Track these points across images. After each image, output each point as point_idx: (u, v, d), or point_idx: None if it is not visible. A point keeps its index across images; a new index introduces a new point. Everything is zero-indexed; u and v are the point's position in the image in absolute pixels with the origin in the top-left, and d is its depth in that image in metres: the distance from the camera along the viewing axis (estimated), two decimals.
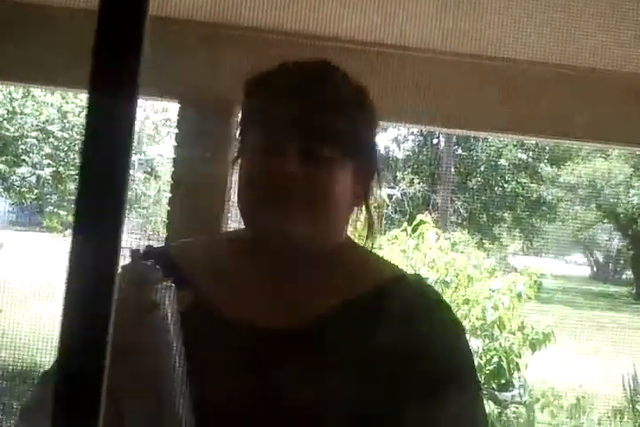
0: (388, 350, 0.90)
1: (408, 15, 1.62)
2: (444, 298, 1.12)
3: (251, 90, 1.02)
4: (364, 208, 1.08)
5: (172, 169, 2.36)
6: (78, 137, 6.06)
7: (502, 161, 21.49)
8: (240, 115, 1.09)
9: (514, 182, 22.50)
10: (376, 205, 1.13)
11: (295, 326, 0.95)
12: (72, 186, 6.77)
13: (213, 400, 0.85)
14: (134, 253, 0.86)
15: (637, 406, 5.61)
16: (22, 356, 6.50)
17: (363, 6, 1.64)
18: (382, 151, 22.99)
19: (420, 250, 4.99)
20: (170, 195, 2.29)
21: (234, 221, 1.90)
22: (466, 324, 4.93)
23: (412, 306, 0.99)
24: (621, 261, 27.40)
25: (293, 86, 0.96)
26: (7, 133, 5.73)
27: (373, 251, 1.14)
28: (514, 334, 4.95)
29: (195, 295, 0.88)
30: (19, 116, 5.90)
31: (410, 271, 4.74)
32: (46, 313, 8.49)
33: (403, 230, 5.12)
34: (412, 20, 1.64)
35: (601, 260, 27.70)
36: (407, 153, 22.24)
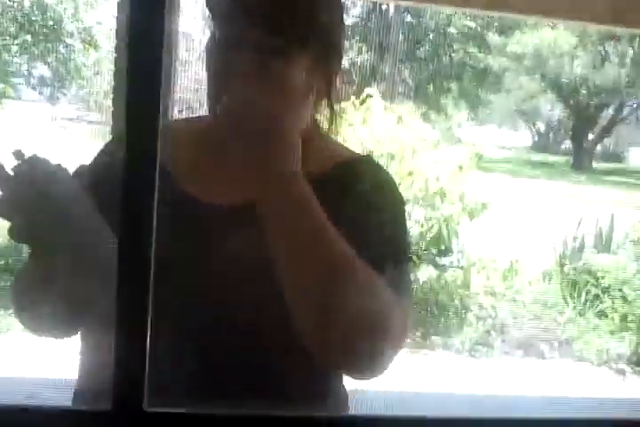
0: (343, 222, 0.99)
1: None
2: (392, 176, 1.21)
3: None
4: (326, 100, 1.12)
5: (115, 41, 2.28)
6: (10, 3, 5.68)
7: (451, 29, 21.14)
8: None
9: (462, 52, 22.28)
10: (338, 100, 1.17)
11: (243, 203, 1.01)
12: (8, 56, 6.42)
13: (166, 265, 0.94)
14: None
15: (564, 269, 6.01)
16: None
17: None
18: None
19: (366, 123, 5.04)
20: (113, 67, 2.24)
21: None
22: (409, 194, 5.12)
23: (364, 183, 1.08)
24: (562, 132, 28.05)
25: None
26: None
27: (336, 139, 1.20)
28: (454, 203, 5.17)
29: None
30: None
31: (358, 146, 4.83)
32: None
33: (350, 104, 5.13)
34: None
35: (542, 130, 28.28)
36: (355, 20, 21.52)
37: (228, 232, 1.03)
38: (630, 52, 19.45)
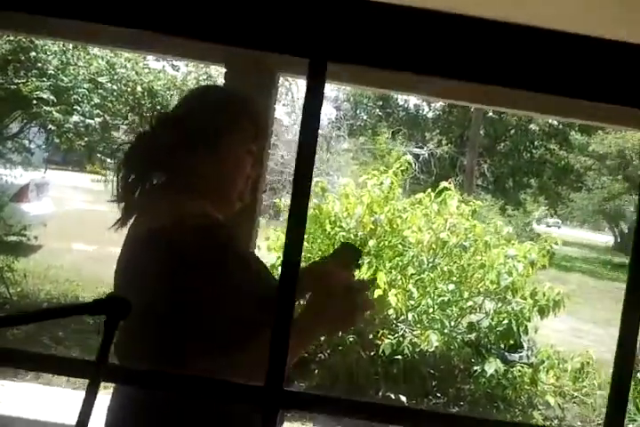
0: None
1: None
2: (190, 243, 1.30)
3: None
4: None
5: None
6: (125, 88, 6.35)
7: (533, 126, 21.33)
8: None
9: (542, 149, 22.35)
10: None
11: None
12: (117, 134, 7.01)
13: None
14: None
15: (638, 375, 5.83)
16: (65, 290, 6.95)
17: None
18: (413, 110, 22.71)
19: (441, 215, 5.21)
20: None
21: None
22: (481, 287, 5.18)
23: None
24: None
25: None
26: (61, 84, 5.98)
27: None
28: (525, 299, 5.17)
29: None
30: (71, 68, 6.13)
31: (432, 237, 4.94)
32: (84, 251, 8.91)
33: (427, 195, 5.33)
34: None
35: (625, 231, 27.41)
36: (437, 113, 22.15)
37: None
38: None
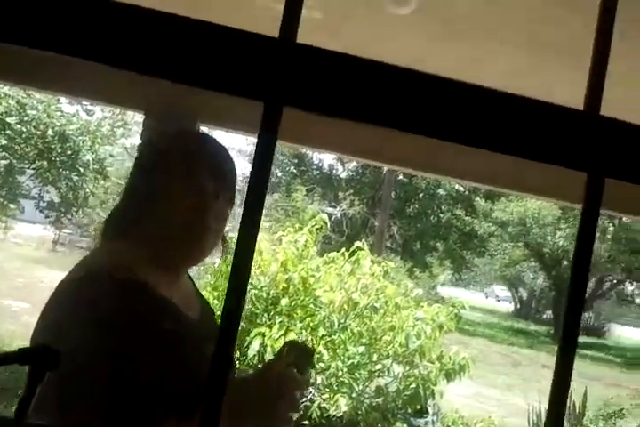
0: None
1: None
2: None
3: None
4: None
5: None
6: (35, 131, 6.07)
7: (441, 191, 22.07)
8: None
9: (449, 213, 23.06)
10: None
11: None
12: (23, 179, 6.70)
13: None
14: None
15: None
16: None
17: None
18: (327, 169, 23.14)
19: (354, 275, 5.20)
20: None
21: None
22: (390, 349, 5.16)
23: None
24: (543, 301, 28.09)
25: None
26: None
27: None
28: (433, 362, 5.18)
29: None
30: None
31: (344, 296, 4.90)
32: None
33: (341, 255, 5.33)
34: None
35: (525, 297, 28.40)
36: (351, 173, 22.61)
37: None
38: (611, 228, 20.30)
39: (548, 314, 24.55)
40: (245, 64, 0.39)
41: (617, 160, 0.38)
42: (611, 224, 20.19)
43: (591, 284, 22.47)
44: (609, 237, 20.30)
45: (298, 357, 1.33)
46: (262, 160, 0.42)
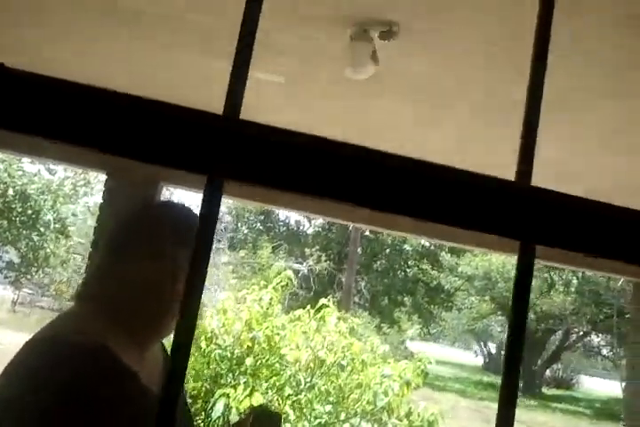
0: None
1: None
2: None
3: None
4: None
5: (93, 237, 2.41)
6: None
7: (407, 246, 22.22)
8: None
9: (416, 268, 23.18)
10: None
11: None
12: None
13: None
14: None
15: None
16: None
17: None
18: (294, 226, 23.19)
19: (320, 332, 5.15)
20: (82, 257, 2.36)
21: None
22: (358, 407, 5.07)
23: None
24: None
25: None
26: None
27: None
28: (401, 420, 5.10)
29: None
30: None
31: (310, 354, 4.85)
32: None
33: (306, 312, 5.29)
34: None
35: (493, 351, 28.35)
36: (317, 229, 22.68)
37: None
38: (574, 281, 20.56)
39: None
40: (189, 140, 0.40)
41: (547, 228, 0.39)
42: (574, 277, 20.47)
43: (559, 336, 22.55)
44: (573, 289, 20.55)
45: (265, 425, 1.30)
46: (206, 230, 0.43)
